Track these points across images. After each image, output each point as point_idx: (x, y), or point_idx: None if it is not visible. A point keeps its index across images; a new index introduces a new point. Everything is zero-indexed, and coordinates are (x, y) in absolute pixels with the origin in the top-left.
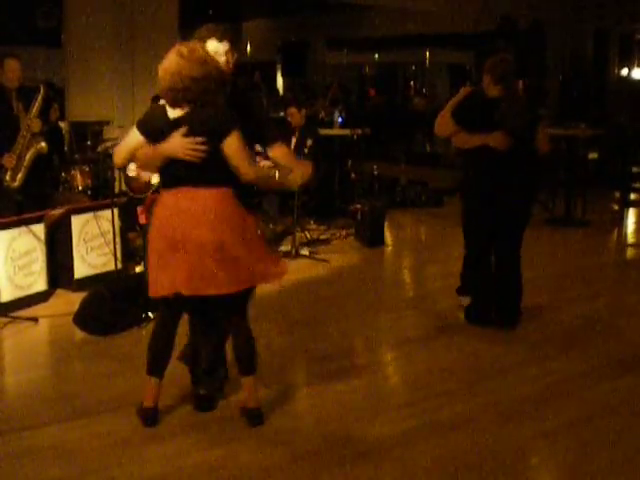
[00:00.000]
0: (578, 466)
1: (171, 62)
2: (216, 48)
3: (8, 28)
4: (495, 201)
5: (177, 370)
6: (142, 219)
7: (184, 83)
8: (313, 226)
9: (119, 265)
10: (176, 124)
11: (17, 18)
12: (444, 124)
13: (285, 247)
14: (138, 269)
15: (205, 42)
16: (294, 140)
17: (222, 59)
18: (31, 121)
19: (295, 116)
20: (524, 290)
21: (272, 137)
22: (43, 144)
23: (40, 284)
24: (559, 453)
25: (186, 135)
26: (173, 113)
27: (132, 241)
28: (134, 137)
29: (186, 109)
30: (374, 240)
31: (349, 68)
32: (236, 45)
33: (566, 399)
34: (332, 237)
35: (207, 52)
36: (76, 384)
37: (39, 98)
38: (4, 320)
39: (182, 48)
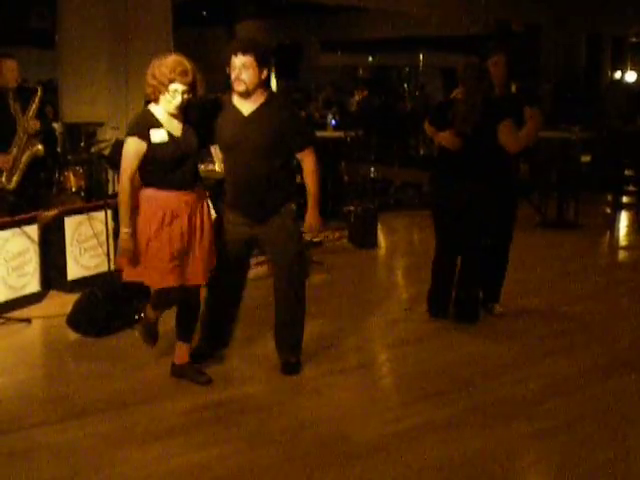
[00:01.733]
0: (569, 467)
1: None
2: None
3: (1, 28)
4: (452, 199)
5: (168, 371)
6: None
7: None
8: None
9: (112, 266)
10: None
11: (10, 19)
12: (425, 124)
13: None
14: None
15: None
16: None
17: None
18: (28, 123)
19: None
20: (515, 292)
21: None
22: (40, 147)
23: (33, 285)
24: (550, 454)
25: None
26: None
27: None
28: None
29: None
30: (367, 242)
31: (343, 70)
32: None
33: (558, 400)
34: (325, 239)
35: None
36: (69, 385)
37: (36, 100)
38: None
39: None
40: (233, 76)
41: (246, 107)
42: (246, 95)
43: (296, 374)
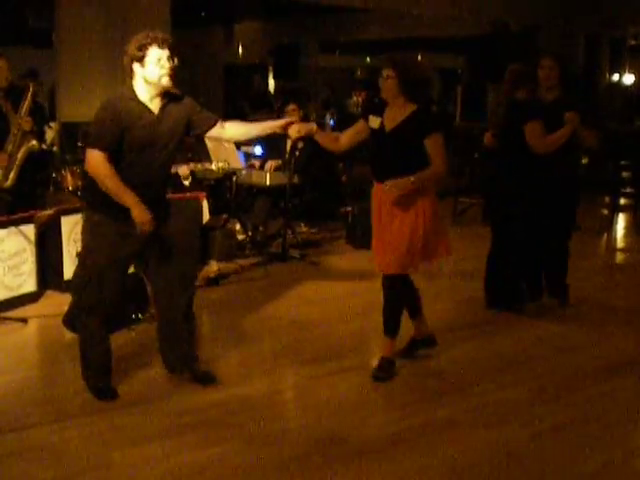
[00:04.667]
0: (568, 469)
1: None
2: (159, 55)
3: None
4: (490, 195)
5: (165, 371)
6: None
7: None
8: (304, 228)
9: None
10: None
11: (7, 17)
12: None
13: (275, 249)
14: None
15: (147, 49)
16: (289, 142)
17: (167, 66)
18: (22, 120)
19: (295, 114)
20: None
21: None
22: (34, 142)
23: (30, 285)
24: (549, 456)
25: None
26: None
27: None
28: None
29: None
30: (365, 242)
31: (341, 71)
32: (227, 47)
33: (556, 402)
34: (322, 239)
35: None
36: (65, 385)
37: (29, 96)
38: None
39: None
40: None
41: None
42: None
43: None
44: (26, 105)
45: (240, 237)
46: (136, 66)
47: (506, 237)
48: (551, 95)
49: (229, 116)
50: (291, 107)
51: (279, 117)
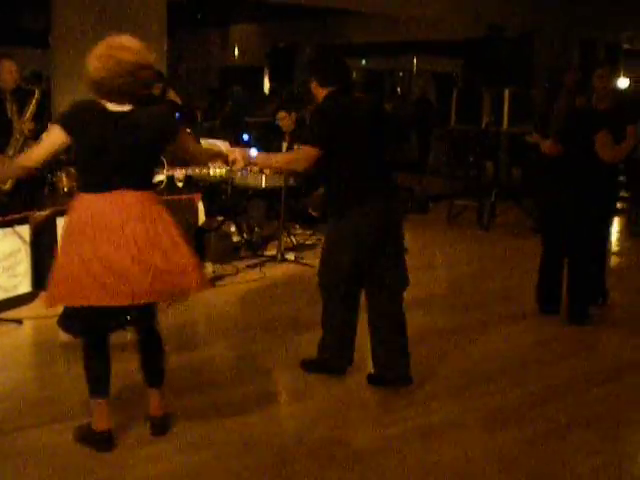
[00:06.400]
0: (563, 473)
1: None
2: None
3: None
4: (550, 203)
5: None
6: None
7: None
8: (299, 231)
9: None
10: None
11: (3, 18)
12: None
13: (271, 252)
14: None
15: None
16: (285, 145)
17: None
18: (25, 125)
19: (285, 120)
20: (510, 297)
21: None
22: None
23: (25, 286)
24: (544, 460)
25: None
26: (113, 107)
27: None
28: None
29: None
30: None
31: None
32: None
33: (552, 406)
34: (318, 242)
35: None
36: (60, 386)
37: (33, 101)
38: None
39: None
40: None
41: None
42: None
43: None
44: (31, 110)
45: (235, 239)
46: None
47: (573, 246)
48: (603, 104)
49: (224, 118)
50: (281, 114)
51: (273, 122)
